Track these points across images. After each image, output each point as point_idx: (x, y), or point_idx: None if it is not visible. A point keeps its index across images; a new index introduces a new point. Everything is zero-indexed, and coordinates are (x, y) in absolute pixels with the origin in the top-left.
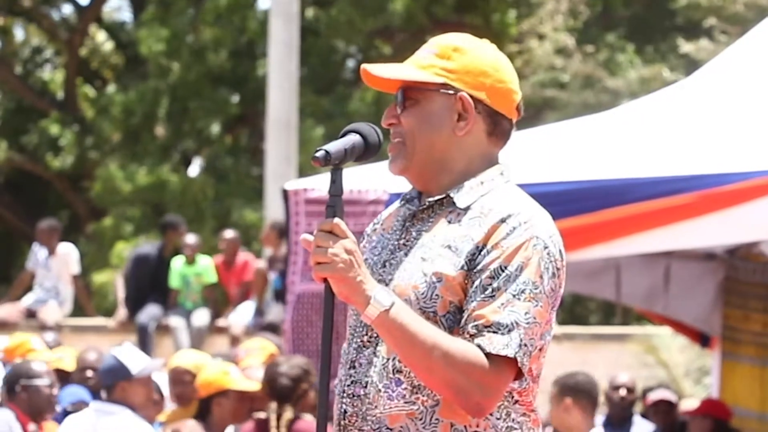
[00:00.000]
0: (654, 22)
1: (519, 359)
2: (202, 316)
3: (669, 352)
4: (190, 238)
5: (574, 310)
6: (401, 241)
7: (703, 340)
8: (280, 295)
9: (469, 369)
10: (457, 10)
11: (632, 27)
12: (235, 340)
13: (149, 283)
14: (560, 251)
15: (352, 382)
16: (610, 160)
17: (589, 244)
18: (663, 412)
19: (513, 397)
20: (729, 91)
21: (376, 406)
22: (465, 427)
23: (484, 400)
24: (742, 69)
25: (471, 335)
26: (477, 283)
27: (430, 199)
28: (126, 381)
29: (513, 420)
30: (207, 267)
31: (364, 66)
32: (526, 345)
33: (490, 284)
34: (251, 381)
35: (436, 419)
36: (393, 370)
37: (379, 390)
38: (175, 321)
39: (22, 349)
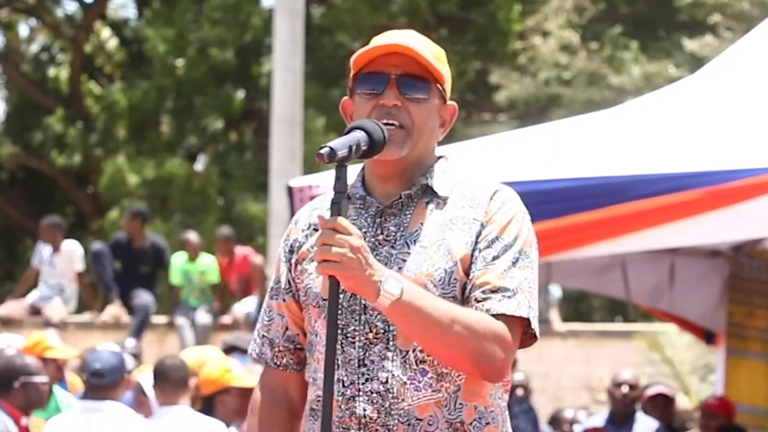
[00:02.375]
0: (658, 19)
1: (531, 320)
2: (205, 314)
3: (675, 349)
4: (192, 236)
5: (579, 307)
6: (380, 237)
7: (707, 337)
8: None
9: (489, 335)
10: (462, 7)
11: (636, 24)
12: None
13: (121, 272)
14: None
15: (366, 380)
16: (615, 157)
17: (594, 241)
18: (661, 407)
19: None
20: (734, 87)
21: (403, 399)
22: (485, 407)
23: (504, 364)
24: (747, 66)
25: (478, 300)
26: (476, 254)
27: (406, 193)
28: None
29: (503, 399)
30: (210, 266)
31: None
32: (532, 308)
33: (489, 253)
34: (254, 376)
35: (461, 404)
36: (416, 362)
37: (405, 383)
38: (180, 319)
39: (40, 347)
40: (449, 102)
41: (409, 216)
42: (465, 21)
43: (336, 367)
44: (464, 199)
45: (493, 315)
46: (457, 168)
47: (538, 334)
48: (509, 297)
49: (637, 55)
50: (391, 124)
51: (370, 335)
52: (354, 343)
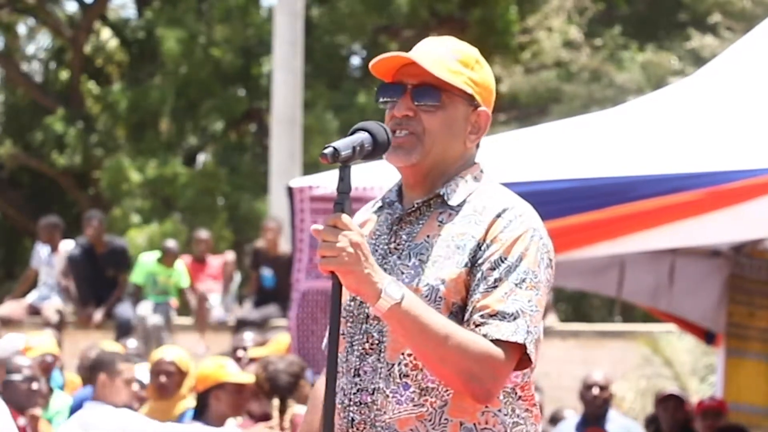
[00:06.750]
0: (658, 18)
1: (528, 345)
2: (156, 313)
3: (675, 350)
4: (170, 243)
5: (578, 307)
6: (391, 245)
7: (708, 337)
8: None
9: (482, 357)
10: (461, 7)
11: (636, 23)
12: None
13: (93, 279)
14: (551, 244)
15: (358, 390)
16: (616, 157)
17: (594, 241)
18: (672, 408)
19: (516, 393)
20: (735, 87)
21: (384, 412)
22: (474, 425)
23: (494, 387)
24: (749, 65)
25: (477, 324)
26: (479, 275)
27: (418, 201)
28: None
29: (518, 416)
30: (181, 272)
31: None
32: (531, 332)
33: (492, 275)
34: (247, 374)
35: (446, 419)
36: (399, 375)
37: (387, 396)
38: (139, 314)
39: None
40: (481, 108)
41: (419, 227)
42: (464, 21)
43: (341, 375)
44: (475, 214)
45: (490, 340)
46: (487, 179)
47: (533, 359)
48: (508, 322)
49: (636, 54)
50: (403, 132)
51: (366, 345)
52: (354, 352)
